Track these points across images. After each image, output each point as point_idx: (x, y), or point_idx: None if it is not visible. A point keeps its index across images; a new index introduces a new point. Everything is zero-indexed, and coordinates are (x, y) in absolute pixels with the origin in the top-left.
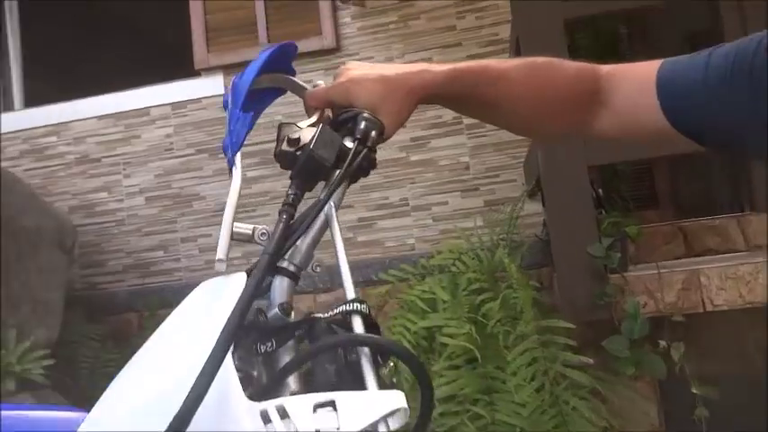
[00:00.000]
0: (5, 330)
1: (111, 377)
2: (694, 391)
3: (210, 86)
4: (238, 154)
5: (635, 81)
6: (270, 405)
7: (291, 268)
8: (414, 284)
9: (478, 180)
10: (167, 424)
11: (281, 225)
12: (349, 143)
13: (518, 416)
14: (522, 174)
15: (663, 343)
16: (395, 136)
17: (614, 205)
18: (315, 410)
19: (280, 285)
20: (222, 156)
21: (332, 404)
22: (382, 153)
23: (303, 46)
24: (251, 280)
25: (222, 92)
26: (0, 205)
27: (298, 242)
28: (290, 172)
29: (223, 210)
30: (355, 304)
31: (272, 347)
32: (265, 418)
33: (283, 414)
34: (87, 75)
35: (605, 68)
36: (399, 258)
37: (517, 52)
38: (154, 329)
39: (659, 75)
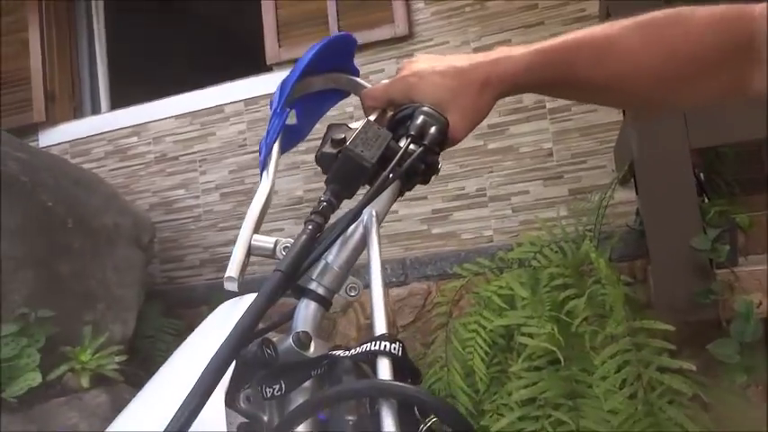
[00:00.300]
0: (81, 327)
1: None
2: None
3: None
4: (273, 158)
5: None
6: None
7: (320, 291)
8: (491, 279)
9: (563, 167)
10: None
11: (303, 237)
12: (403, 142)
13: (607, 424)
14: (613, 159)
15: None
16: None
17: (718, 191)
18: None
19: (304, 311)
20: (293, 150)
21: None
22: (458, 144)
23: (375, 35)
24: (253, 303)
25: None
26: (80, 205)
27: (330, 259)
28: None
29: (295, 204)
30: (383, 343)
31: (279, 391)
32: None
33: None
34: (165, 74)
35: (758, 8)
36: (476, 251)
37: None
38: None
39: None
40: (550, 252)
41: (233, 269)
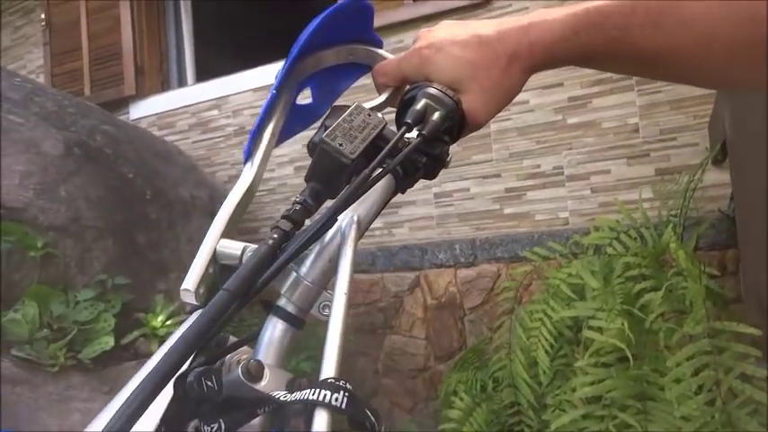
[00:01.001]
0: (154, 295)
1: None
2: None
3: None
4: (261, 147)
5: None
6: None
7: (290, 308)
8: (562, 265)
9: (650, 144)
10: None
11: (262, 248)
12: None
13: (678, 431)
14: (707, 136)
15: None
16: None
17: None
18: None
19: (270, 331)
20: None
21: None
22: (536, 116)
23: (448, 3)
24: (190, 328)
25: None
26: (158, 177)
27: (302, 271)
28: None
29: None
30: (324, 392)
31: (218, 431)
32: None
33: None
34: (247, 48)
35: None
36: (550, 234)
37: None
38: None
39: None
40: (628, 239)
41: (190, 280)
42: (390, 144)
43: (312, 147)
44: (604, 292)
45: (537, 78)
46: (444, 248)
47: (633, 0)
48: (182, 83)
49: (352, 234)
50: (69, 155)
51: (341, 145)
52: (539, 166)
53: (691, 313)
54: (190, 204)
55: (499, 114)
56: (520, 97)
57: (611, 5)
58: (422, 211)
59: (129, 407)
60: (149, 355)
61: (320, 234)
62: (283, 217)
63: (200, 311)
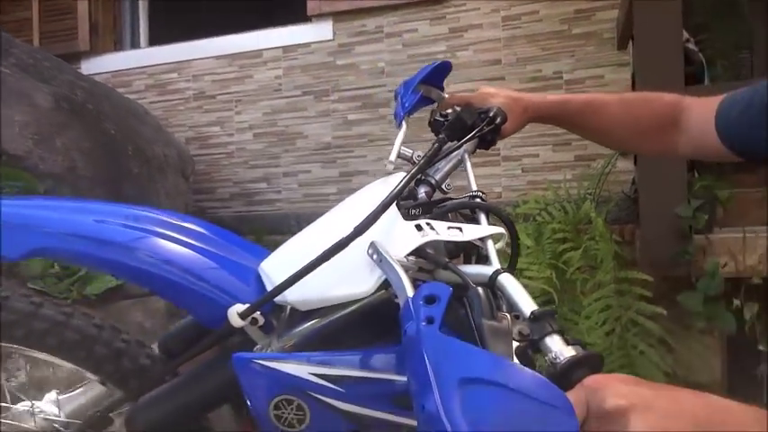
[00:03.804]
0: None
1: None
2: (761, 348)
3: (320, 32)
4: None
5: (702, 113)
6: (422, 221)
7: (432, 180)
8: None
9: (571, 135)
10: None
11: (432, 149)
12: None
13: None
14: None
15: (737, 302)
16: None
17: (708, 168)
18: (447, 229)
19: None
20: (326, 98)
21: (459, 228)
22: None
23: None
24: (405, 178)
25: (331, 38)
26: (135, 135)
27: (440, 165)
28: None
29: (323, 149)
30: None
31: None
32: (418, 228)
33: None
34: (205, 16)
35: (686, 101)
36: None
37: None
38: None
39: (718, 108)
40: (554, 210)
41: (393, 156)
42: (484, 123)
43: (434, 122)
44: (536, 250)
45: (482, 70)
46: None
47: (588, 99)
48: (135, 44)
49: (468, 156)
50: (58, 108)
51: (464, 116)
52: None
53: (601, 267)
54: (164, 162)
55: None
56: (467, 86)
57: (576, 99)
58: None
59: (391, 197)
60: (142, 295)
61: (455, 150)
62: (436, 142)
63: (402, 173)
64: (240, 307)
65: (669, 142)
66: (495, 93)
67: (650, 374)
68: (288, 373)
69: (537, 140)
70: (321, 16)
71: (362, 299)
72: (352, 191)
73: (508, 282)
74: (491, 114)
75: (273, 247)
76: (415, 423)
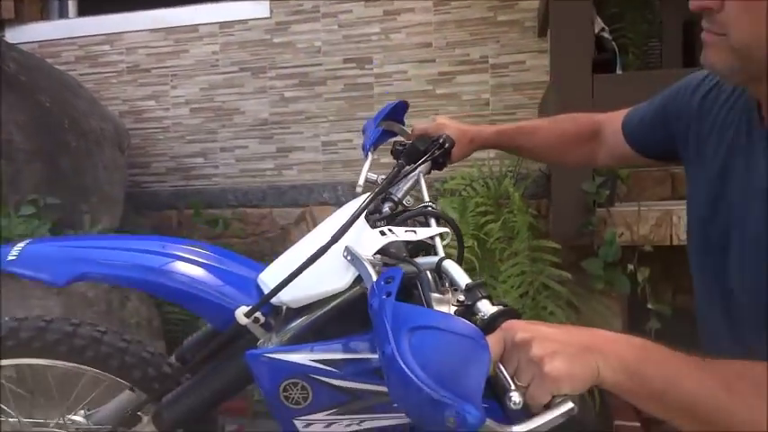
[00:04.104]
0: (81, 216)
1: None
2: (650, 306)
3: (257, 10)
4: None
5: (614, 125)
6: (384, 228)
7: (395, 198)
8: None
9: (496, 116)
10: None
11: (392, 172)
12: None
13: None
14: (537, 113)
15: (631, 267)
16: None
17: None
18: (405, 232)
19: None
20: (263, 75)
21: (414, 231)
22: (412, 84)
23: None
24: (370, 196)
25: (268, 15)
26: (71, 107)
27: (401, 185)
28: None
29: (260, 125)
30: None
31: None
32: (381, 233)
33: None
34: None
35: (601, 117)
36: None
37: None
38: (193, 226)
39: (624, 119)
40: (478, 185)
41: (360, 181)
42: (434, 149)
43: (396, 151)
44: (461, 222)
45: (413, 52)
46: (329, 189)
47: (521, 127)
48: (63, 14)
49: (422, 178)
50: None
51: (417, 144)
52: (411, 125)
53: (517, 237)
54: (100, 136)
55: (383, 80)
56: (399, 68)
57: (510, 128)
58: (310, 156)
59: (359, 210)
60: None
61: (411, 173)
62: (395, 167)
63: (365, 195)
64: (245, 308)
65: (590, 152)
66: (447, 124)
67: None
68: (292, 362)
69: (464, 120)
70: None
71: (342, 293)
72: (288, 166)
73: (450, 265)
74: (440, 141)
75: (213, 221)
76: None
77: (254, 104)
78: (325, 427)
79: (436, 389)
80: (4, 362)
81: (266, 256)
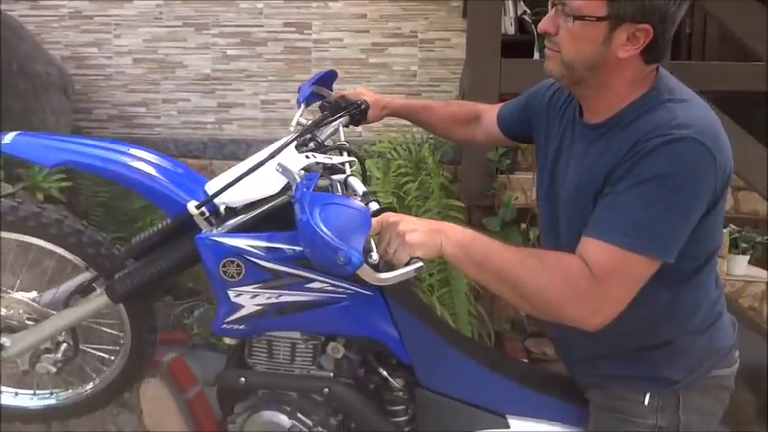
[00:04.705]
0: None
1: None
2: None
3: None
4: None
5: (490, 114)
6: (309, 154)
7: (318, 139)
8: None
9: (422, 88)
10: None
11: (318, 118)
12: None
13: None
14: (458, 87)
15: (524, 226)
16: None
17: None
18: (324, 157)
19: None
20: (206, 31)
21: (330, 157)
22: (347, 52)
23: None
24: (302, 130)
25: None
26: (16, 50)
27: (324, 130)
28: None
29: (203, 80)
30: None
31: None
32: (306, 157)
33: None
34: None
35: (484, 106)
36: (348, 141)
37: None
38: None
39: (499, 111)
40: (401, 150)
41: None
42: (350, 107)
43: (323, 105)
44: (384, 181)
45: (350, 21)
46: (267, 145)
47: (424, 103)
48: None
49: (341, 127)
50: None
51: (340, 102)
52: (344, 89)
53: (431, 196)
54: (47, 80)
55: (320, 46)
56: (336, 35)
57: (416, 103)
58: (250, 113)
59: (284, 143)
60: (35, 202)
61: (330, 122)
62: (316, 122)
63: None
64: (195, 202)
65: (471, 132)
66: (365, 92)
67: (459, 277)
68: (231, 245)
69: (394, 89)
70: None
71: (272, 197)
72: (229, 121)
73: (353, 179)
74: (359, 102)
75: None
76: (306, 275)
77: (196, 59)
78: (251, 297)
79: (333, 238)
80: None
81: None
